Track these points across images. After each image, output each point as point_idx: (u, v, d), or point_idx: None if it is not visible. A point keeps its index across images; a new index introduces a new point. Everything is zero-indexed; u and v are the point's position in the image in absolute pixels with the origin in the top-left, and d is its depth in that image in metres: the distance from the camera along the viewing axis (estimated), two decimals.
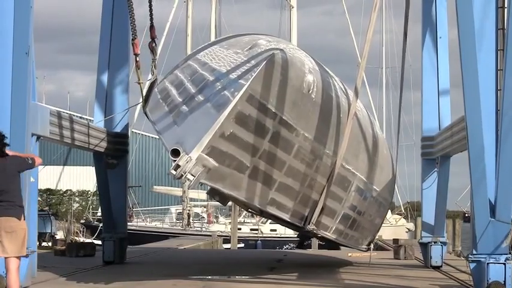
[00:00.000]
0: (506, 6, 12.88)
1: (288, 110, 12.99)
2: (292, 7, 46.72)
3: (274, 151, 13.13)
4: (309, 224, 14.56)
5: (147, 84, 14.10)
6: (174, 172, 11.46)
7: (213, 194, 14.96)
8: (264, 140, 12.79)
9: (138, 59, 14.58)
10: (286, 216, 14.27)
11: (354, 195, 16.26)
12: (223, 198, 15.01)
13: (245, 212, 49.17)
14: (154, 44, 14.74)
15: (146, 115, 13.37)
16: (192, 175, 11.53)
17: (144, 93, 13.86)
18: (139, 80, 14.31)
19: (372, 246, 19.53)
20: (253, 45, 13.10)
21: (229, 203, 45.94)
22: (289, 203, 14.09)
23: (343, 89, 15.69)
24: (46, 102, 61.96)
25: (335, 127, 14.56)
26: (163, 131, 12.49)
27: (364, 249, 19.34)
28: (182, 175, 11.48)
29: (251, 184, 13.02)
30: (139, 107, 42.49)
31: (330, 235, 15.96)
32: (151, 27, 14.69)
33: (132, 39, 14.43)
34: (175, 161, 11.46)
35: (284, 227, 41.22)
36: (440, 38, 18.26)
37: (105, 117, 18.13)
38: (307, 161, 14.01)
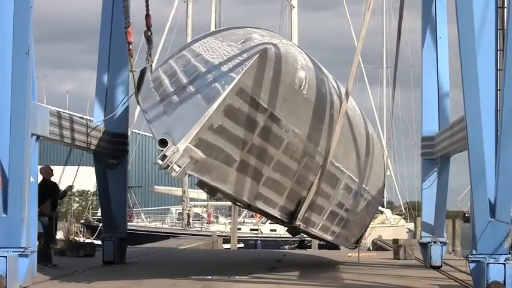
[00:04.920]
0: (506, 6, 12.87)
1: (278, 105, 13.00)
2: (293, 7, 46.67)
3: (263, 145, 13.14)
4: (295, 220, 14.57)
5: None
6: (160, 162, 11.49)
7: (202, 185, 14.91)
8: (253, 134, 12.81)
9: (131, 48, 14.55)
10: (273, 211, 14.30)
11: (343, 193, 16.28)
12: (211, 190, 14.95)
13: (245, 212, 49.24)
14: (150, 33, 14.70)
15: (138, 103, 13.36)
16: (178, 166, 11.54)
17: (136, 81, 13.85)
18: (131, 68, 14.28)
19: (359, 244, 19.55)
20: (247, 38, 13.11)
21: (229, 203, 45.96)
22: (277, 198, 14.11)
23: (337, 88, 15.70)
24: (63, 101, 61.83)
25: (326, 124, 14.57)
26: (153, 120, 12.48)
27: (352, 247, 19.39)
28: (168, 165, 11.49)
29: (238, 177, 13.04)
30: (138, 109, 42.64)
31: (316, 231, 15.98)
32: (147, 16, 14.64)
33: (125, 28, 14.38)
34: (162, 151, 11.45)
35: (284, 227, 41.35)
36: (440, 38, 18.27)
37: (104, 116, 18.10)
38: (296, 156, 14.03)
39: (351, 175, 16.32)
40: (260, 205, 13.95)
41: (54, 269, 16.25)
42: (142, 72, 13.74)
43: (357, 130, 16.50)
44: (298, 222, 14.60)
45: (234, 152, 12.63)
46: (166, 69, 13.67)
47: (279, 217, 14.61)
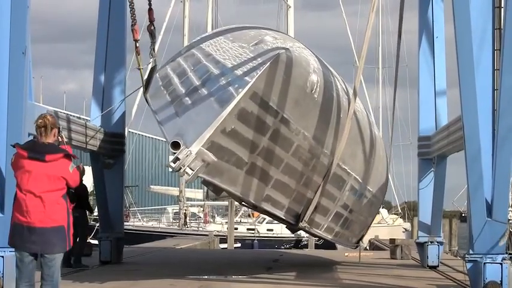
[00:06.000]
0: (503, 6, 12.89)
1: (289, 109, 12.97)
2: (290, 7, 46.68)
3: (273, 148, 13.11)
4: (301, 221, 14.57)
5: (148, 68, 14.01)
6: (173, 165, 11.30)
7: (207, 184, 14.88)
8: (264, 137, 12.78)
9: (138, 45, 14.51)
10: (280, 213, 14.28)
11: (348, 195, 16.29)
12: (217, 189, 14.90)
13: (242, 211, 49.23)
14: (153, 27, 14.65)
15: (147, 101, 13.24)
16: (191, 169, 11.40)
17: (144, 79, 13.73)
18: (139, 65, 14.22)
19: (360, 244, 19.54)
20: (260, 41, 13.03)
21: (225, 203, 45.75)
22: (284, 200, 14.10)
23: (345, 89, 15.70)
24: (66, 101, 61.86)
25: (334, 127, 14.56)
26: (164, 122, 12.29)
27: (353, 247, 19.38)
28: (181, 168, 11.40)
29: (248, 180, 13.00)
30: (135, 109, 42.65)
31: (321, 233, 15.98)
32: (150, 10, 14.62)
33: (132, 25, 14.36)
34: (175, 153, 11.32)
35: (281, 227, 41.36)
36: (436, 37, 18.28)
37: (101, 115, 18.07)
38: (304, 159, 14.01)
39: (357, 177, 16.34)
40: (267, 207, 13.93)
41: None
42: (152, 70, 13.64)
43: (364, 132, 16.51)
44: (304, 224, 14.60)
45: (245, 154, 12.60)
46: (174, 67, 13.56)
47: (284, 218, 14.60)
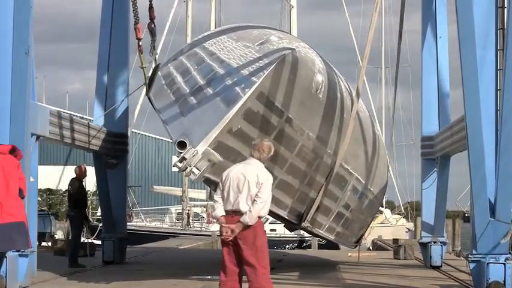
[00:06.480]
0: (506, 6, 12.87)
1: (295, 109, 12.96)
2: (292, 7, 46.63)
3: (278, 148, 13.09)
4: (304, 221, 14.54)
5: (151, 67, 13.95)
6: (179, 165, 11.16)
7: (209, 182, 14.84)
8: (269, 137, 12.77)
9: (141, 44, 14.52)
10: (283, 213, 14.25)
11: (350, 195, 16.28)
12: None
13: None
14: (153, 25, 14.66)
15: (150, 100, 13.14)
16: (197, 169, 11.32)
17: (147, 76, 13.67)
18: (142, 64, 14.22)
19: (360, 243, 19.55)
20: (265, 40, 13.00)
21: None
22: (287, 200, 14.08)
23: (348, 89, 15.69)
24: (69, 101, 61.81)
25: (338, 127, 14.55)
26: (169, 121, 12.22)
27: (352, 247, 19.39)
28: (187, 168, 11.31)
29: None
30: (138, 109, 42.59)
31: (322, 232, 15.97)
32: (150, 8, 14.64)
33: (135, 24, 14.41)
34: (181, 153, 11.18)
35: (284, 228, 41.31)
36: (440, 37, 18.26)
37: (104, 116, 18.07)
38: (308, 159, 14.00)
39: (359, 177, 16.34)
40: (270, 207, 13.90)
41: (54, 269, 16.23)
42: (155, 69, 13.58)
43: (366, 132, 16.51)
44: (306, 224, 14.57)
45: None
46: (177, 65, 13.50)
47: (287, 218, 14.57)
